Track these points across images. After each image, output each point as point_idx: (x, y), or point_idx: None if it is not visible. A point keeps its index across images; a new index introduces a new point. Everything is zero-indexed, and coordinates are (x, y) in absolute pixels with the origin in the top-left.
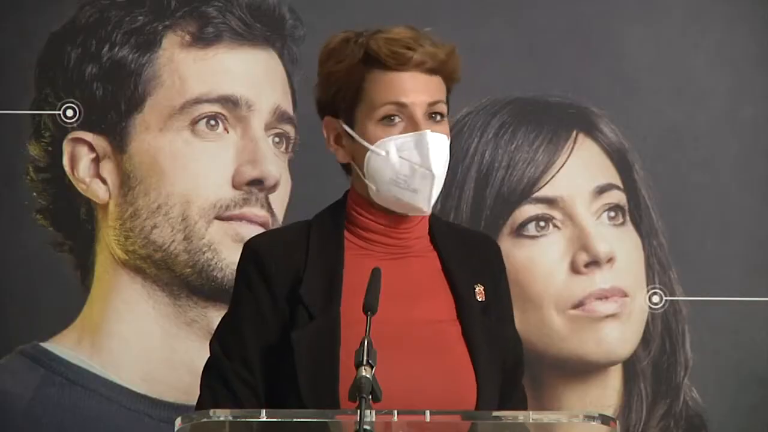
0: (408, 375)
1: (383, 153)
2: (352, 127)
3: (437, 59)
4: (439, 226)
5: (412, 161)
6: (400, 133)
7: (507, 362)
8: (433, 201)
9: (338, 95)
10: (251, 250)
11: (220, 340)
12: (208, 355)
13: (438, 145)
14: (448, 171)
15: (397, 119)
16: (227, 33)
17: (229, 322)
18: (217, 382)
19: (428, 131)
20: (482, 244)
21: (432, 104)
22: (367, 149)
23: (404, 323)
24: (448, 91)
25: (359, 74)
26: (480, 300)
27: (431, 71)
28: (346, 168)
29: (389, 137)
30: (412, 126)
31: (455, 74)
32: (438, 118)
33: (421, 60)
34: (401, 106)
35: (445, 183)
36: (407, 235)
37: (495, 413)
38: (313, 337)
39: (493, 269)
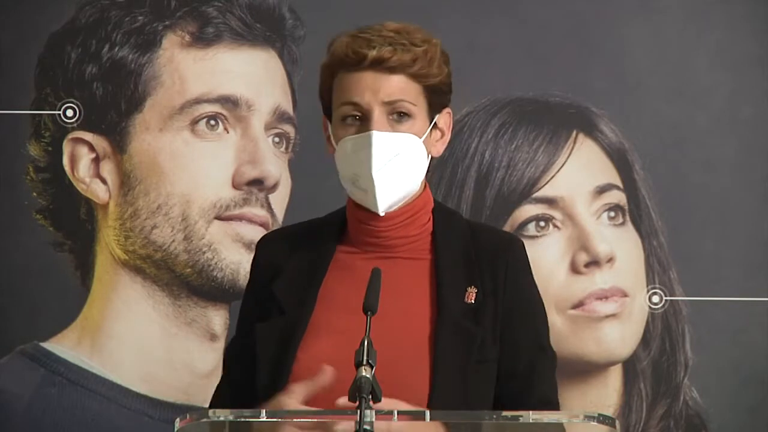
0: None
1: (342, 152)
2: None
3: (397, 59)
4: (445, 226)
5: (361, 161)
6: (356, 132)
7: (516, 368)
8: (385, 200)
9: (323, 97)
10: (257, 243)
11: (230, 342)
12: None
13: (382, 145)
14: (447, 171)
15: (353, 119)
16: (227, 33)
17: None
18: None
19: (373, 132)
20: (495, 244)
21: (390, 103)
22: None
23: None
24: (432, 91)
25: (330, 75)
26: (469, 302)
27: (390, 70)
28: None
29: (346, 137)
30: (366, 126)
31: (430, 75)
32: (400, 117)
33: (377, 59)
34: (356, 105)
35: (445, 183)
36: (387, 234)
37: (494, 413)
38: (277, 331)
39: (497, 270)
